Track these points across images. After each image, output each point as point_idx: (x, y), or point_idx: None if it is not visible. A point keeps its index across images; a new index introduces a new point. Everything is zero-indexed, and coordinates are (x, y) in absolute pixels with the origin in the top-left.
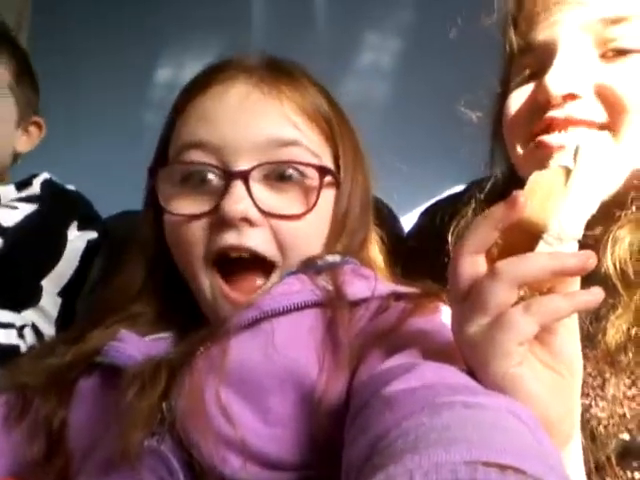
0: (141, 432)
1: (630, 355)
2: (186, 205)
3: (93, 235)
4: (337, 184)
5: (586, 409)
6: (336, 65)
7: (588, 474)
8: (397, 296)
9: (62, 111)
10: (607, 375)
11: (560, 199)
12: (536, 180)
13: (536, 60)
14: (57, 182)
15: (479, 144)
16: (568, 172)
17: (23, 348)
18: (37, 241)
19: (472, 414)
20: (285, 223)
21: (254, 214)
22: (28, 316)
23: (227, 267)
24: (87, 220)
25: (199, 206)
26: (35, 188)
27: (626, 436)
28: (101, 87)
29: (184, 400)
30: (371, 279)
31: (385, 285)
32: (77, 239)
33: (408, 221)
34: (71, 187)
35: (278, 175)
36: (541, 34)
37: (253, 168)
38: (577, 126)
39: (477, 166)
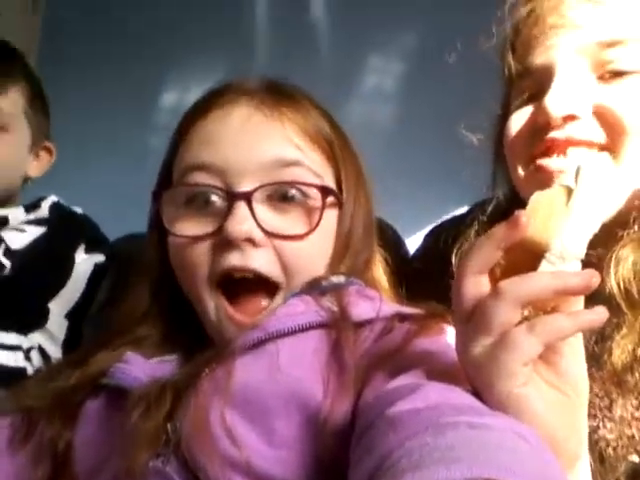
0: (146, 453)
1: (637, 375)
2: (190, 227)
3: (100, 258)
4: (339, 204)
5: (594, 430)
6: (340, 88)
7: None
8: (402, 317)
9: (68, 134)
10: (614, 396)
11: (562, 218)
12: (538, 200)
13: (534, 83)
14: (65, 205)
15: (482, 166)
16: (569, 191)
17: (30, 371)
18: (44, 264)
19: (477, 434)
20: (288, 244)
21: (257, 235)
22: (35, 338)
23: (232, 288)
24: (94, 243)
25: (203, 227)
26: (43, 211)
27: (635, 458)
28: (107, 111)
29: (189, 421)
30: (376, 300)
31: (390, 306)
32: (84, 262)
33: (413, 243)
34: (78, 210)
35: (281, 196)
36: (538, 58)
37: (256, 189)
38: (577, 147)
39: (480, 188)
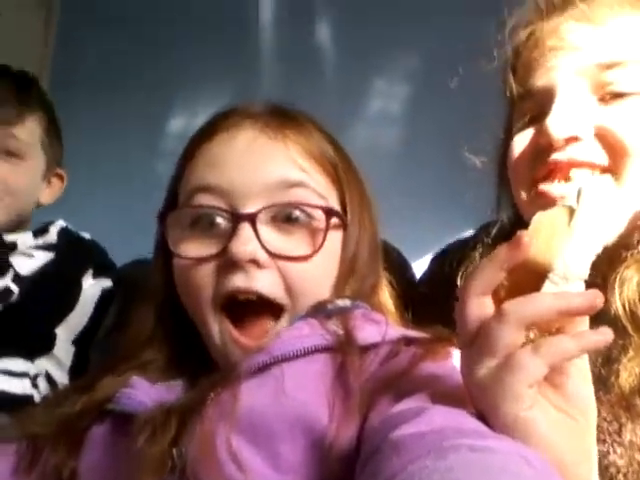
0: (152, 478)
1: None
2: (194, 248)
3: (108, 283)
4: (344, 226)
5: (604, 455)
6: (345, 111)
7: None
8: (408, 341)
9: (76, 159)
10: (623, 420)
11: (564, 239)
12: (540, 220)
13: (536, 105)
14: (72, 230)
15: (486, 189)
16: (571, 212)
17: (37, 398)
18: (52, 290)
19: (479, 457)
20: (293, 265)
21: (262, 256)
22: (42, 364)
23: (236, 311)
24: (102, 268)
25: (207, 249)
26: (52, 236)
27: None
28: (115, 136)
29: (195, 446)
30: (382, 324)
31: (396, 330)
32: (92, 287)
33: (420, 267)
34: (86, 235)
35: (285, 217)
36: (539, 80)
37: (260, 210)
38: (580, 168)
39: (485, 211)
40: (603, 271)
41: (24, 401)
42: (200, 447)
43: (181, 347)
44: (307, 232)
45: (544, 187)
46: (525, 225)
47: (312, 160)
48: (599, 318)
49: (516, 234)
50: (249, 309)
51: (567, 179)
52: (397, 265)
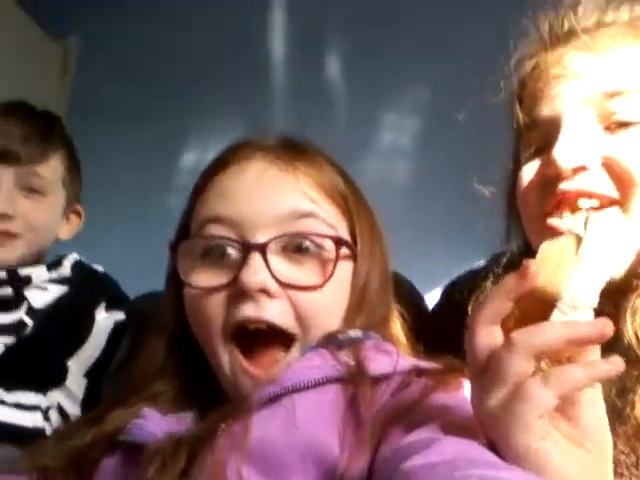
0: None
1: None
2: (205, 278)
3: (120, 316)
4: (354, 257)
5: None
6: (356, 144)
7: None
8: (419, 371)
9: (90, 192)
10: None
11: (572, 267)
12: (547, 249)
13: (542, 135)
14: (86, 263)
15: (496, 220)
16: (579, 240)
17: (48, 431)
18: (65, 323)
19: None
20: (303, 295)
21: (272, 285)
22: (54, 397)
23: (246, 341)
24: (114, 301)
25: (218, 279)
26: (65, 269)
27: None
28: (127, 170)
29: (205, 477)
30: (393, 354)
31: (407, 360)
32: (104, 320)
33: (431, 300)
34: (99, 268)
35: (295, 247)
36: (545, 109)
37: (270, 240)
38: (588, 198)
39: (495, 242)
40: (615, 300)
41: (35, 434)
42: (211, 478)
43: (192, 378)
44: (317, 262)
45: (553, 222)
46: (535, 255)
47: (322, 191)
48: (612, 348)
49: (523, 263)
50: (259, 339)
51: (575, 209)
52: (409, 296)
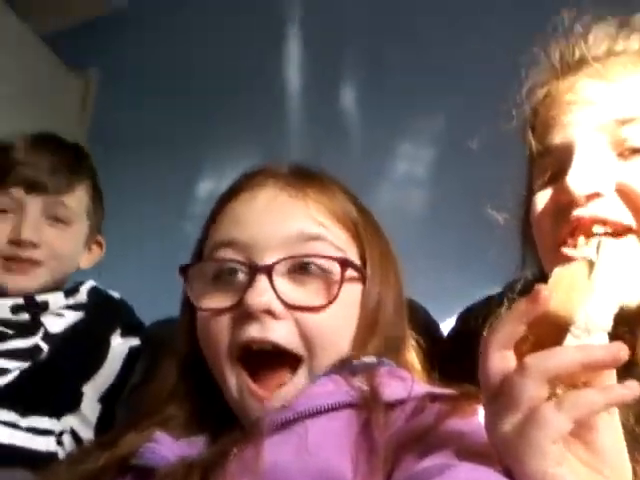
0: None
1: None
2: (214, 300)
3: (135, 342)
4: (363, 280)
5: None
6: (370, 174)
7: None
8: (433, 397)
9: (107, 221)
10: None
11: (585, 291)
12: (560, 274)
13: (556, 162)
14: (102, 290)
15: (511, 247)
16: (591, 265)
17: (61, 455)
18: (81, 348)
19: None
20: (309, 316)
21: (277, 307)
22: (67, 421)
23: (254, 363)
24: (130, 327)
25: (225, 301)
26: (82, 296)
27: None
28: (144, 198)
29: None
30: (407, 380)
31: (421, 386)
32: (120, 346)
33: (447, 326)
34: (116, 294)
35: (301, 269)
36: (557, 137)
37: (276, 262)
38: (603, 225)
39: (510, 270)
40: (631, 327)
41: (48, 459)
42: None
43: (203, 403)
44: (323, 283)
45: (567, 251)
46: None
47: (331, 216)
48: (629, 373)
49: (535, 288)
50: (266, 361)
51: (590, 235)
52: (424, 323)
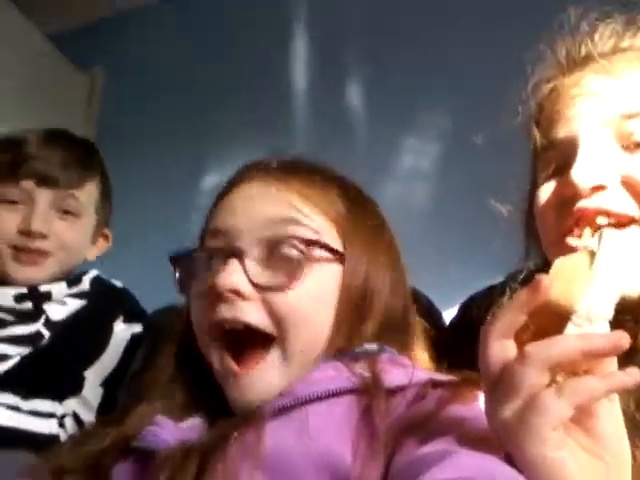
0: None
1: None
2: (196, 285)
3: (137, 329)
4: (343, 262)
5: None
6: (376, 169)
7: None
8: (435, 384)
9: (112, 212)
10: None
11: (586, 280)
12: (561, 264)
13: (560, 156)
14: (105, 278)
15: (515, 240)
16: (592, 255)
17: (63, 437)
18: (83, 334)
19: None
20: (276, 295)
21: (245, 287)
22: (70, 405)
23: (238, 344)
24: (132, 315)
25: (203, 285)
26: (85, 285)
27: None
28: (149, 189)
29: None
30: (409, 367)
31: (423, 373)
32: (122, 332)
33: (450, 316)
34: (118, 283)
35: (273, 251)
36: (562, 130)
37: (248, 244)
38: (607, 217)
39: (514, 261)
40: (635, 315)
41: (50, 441)
42: None
43: (201, 387)
44: (293, 264)
45: (572, 241)
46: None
47: (310, 203)
48: (633, 361)
49: (535, 277)
50: (249, 342)
51: (594, 226)
52: (427, 312)
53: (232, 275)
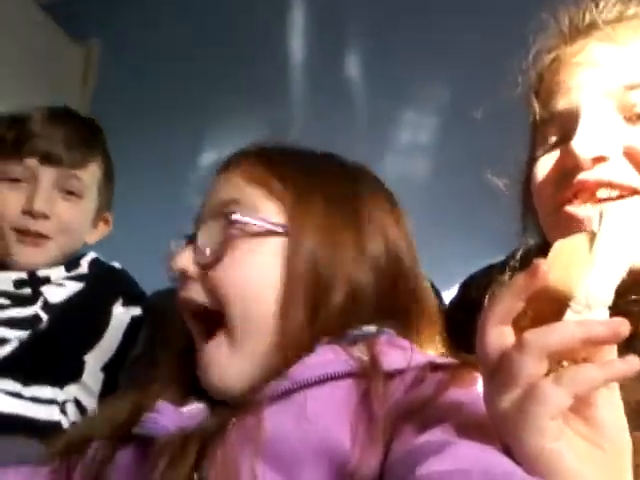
0: None
1: None
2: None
3: (137, 311)
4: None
5: None
6: (375, 142)
7: None
8: (434, 367)
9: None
10: None
11: (585, 265)
12: (560, 247)
13: (560, 127)
14: (103, 261)
15: (516, 216)
16: (592, 237)
17: (65, 424)
18: (81, 317)
19: None
20: (211, 272)
21: (189, 267)
22: (71, 391)
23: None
24: (131, 297)
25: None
26: (83, 268)
27: None
28: (145, 168)
29: (217, 471)
30: (407, 350)
31: (422, 355)
32: (121, 315)
33: (448, 297)
34: (117, 265)
35: (216, 232)
36: (561, 102)
37: (201, 229)
38: (608, 189)
39: (514, 238)
40: (638, 299)
41: (51, 427)
42: (223, 472)
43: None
44: (225, 240)
45: (570, 209)
46: (550, 248)
47: (252, 182)
48: (635, 349)
49: (533, 262)
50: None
51: (594, 200)
52: None
53: (180, 256)
